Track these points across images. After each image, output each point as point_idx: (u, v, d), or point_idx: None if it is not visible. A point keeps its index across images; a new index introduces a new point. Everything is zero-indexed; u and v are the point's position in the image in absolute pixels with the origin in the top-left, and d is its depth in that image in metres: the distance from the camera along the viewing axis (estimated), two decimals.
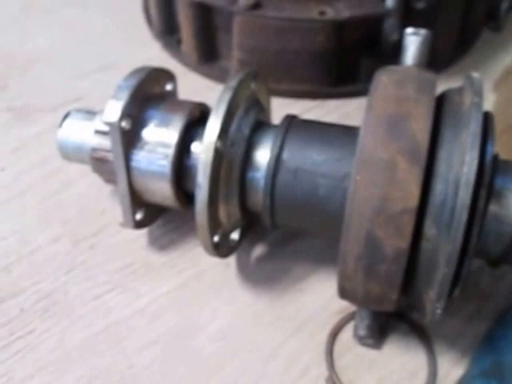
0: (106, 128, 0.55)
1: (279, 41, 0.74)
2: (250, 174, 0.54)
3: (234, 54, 0.78)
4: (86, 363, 0.56)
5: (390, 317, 0.57)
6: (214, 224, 0.53)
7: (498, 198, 0.46)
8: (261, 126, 0.56)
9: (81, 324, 0.58)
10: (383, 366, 0.56)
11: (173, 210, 0.65)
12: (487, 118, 0.47)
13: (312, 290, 0.60)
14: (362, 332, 0.55)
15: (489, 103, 0.76)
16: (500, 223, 0.46)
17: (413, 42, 0.50)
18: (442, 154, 0.44)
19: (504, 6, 0.86)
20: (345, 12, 0.71)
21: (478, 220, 0.43)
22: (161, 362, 0.56)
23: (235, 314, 0.59)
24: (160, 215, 0.65)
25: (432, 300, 0.45)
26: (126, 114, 0.54)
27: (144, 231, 0.65)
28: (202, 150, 0.50)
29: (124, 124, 0.54)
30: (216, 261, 0.62)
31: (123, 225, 0.59)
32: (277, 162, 0.52)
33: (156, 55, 0.86)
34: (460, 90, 0.48)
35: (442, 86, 0.50)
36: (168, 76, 0.62)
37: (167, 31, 0.86)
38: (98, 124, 0.58)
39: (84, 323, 0.58)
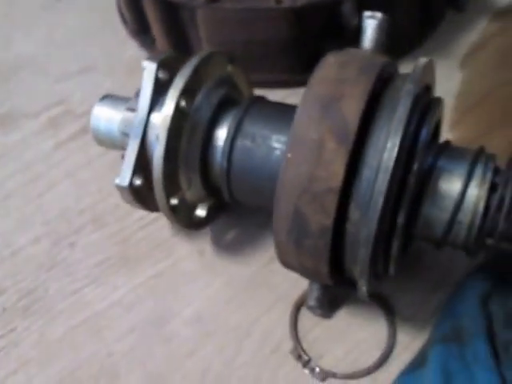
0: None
1: (243, 32, 0.74)
2: (212, 138, 0.55)
3: (204, 48, 0.78)
4: (67, 355, 0.58)
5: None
6: (172, 185, 0.54)
7: (438, 183, 0.46)
8: (231, 101, 0.58)
9: (61, 319, 0.60)
10: (350, 338, 0.57)
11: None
12: (431, 104, 0.46)
13: (283, 270, 0.61)
14: (312, 302, 0.57)
15: (455, 82, 0.76)
16: (437, 208, 0.46)
17: (370, 25, 0.50)
18: (372, 139, 0.44)
19: None
20: None
21: (406, 204, 0.43)
22: (139, 349, 0.58)
23: (209, 298, 0.61)
24: None
25: (358, 277, 0.46)
26: None
27: (120, 227, 0.67)
28: (165, 105, 0.51)
29: None
30: (190, 249, 0.64)
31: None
32: (238, 126, 0.53)
33: (134, 54, 0.86)
34: (406, 76, 0.47)
35: (407, 69, 0.48)
36: None
37: (141, 30, 0.87)
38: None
39: (64, 318, 0.60)
